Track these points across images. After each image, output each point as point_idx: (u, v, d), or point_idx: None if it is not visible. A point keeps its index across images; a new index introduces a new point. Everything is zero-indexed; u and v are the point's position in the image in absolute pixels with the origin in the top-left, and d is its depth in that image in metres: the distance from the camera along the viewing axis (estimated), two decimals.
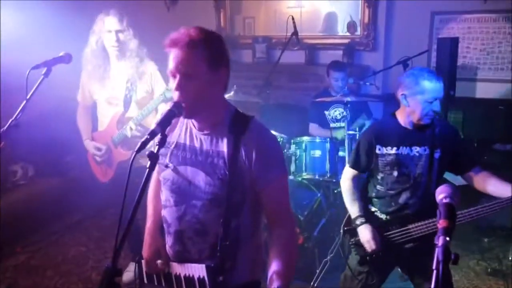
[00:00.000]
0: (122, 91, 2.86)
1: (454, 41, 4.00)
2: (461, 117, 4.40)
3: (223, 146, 1.51)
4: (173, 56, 1.44)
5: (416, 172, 2.23)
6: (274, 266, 1.43)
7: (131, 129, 2.78)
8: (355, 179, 2.39)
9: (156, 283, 1.67)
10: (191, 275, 1.56)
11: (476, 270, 3.37)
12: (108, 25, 2.72)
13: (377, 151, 2.26)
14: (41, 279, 3.34)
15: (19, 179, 4.19)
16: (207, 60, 1.43)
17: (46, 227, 4.03)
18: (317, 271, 3.04)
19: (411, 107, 2.18)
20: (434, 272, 0.98)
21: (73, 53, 2.02)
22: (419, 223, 2.18)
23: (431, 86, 2.12)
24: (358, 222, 2.27)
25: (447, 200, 1.15)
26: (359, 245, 2.31)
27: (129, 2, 5.04)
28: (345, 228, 2.40)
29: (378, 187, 2.31)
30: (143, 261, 1.68)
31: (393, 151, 2.23)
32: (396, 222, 2.25)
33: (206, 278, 1.51)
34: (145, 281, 1.70)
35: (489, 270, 3.33)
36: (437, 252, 1.00)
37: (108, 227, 4.09)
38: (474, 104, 4.45)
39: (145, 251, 1.68)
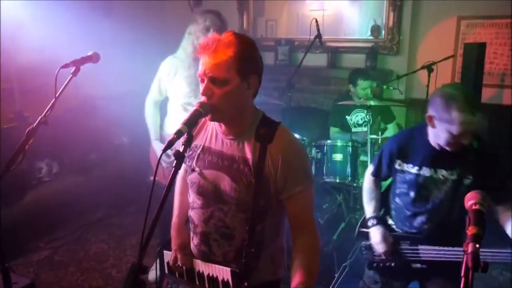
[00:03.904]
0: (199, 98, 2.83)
1: (481, 46, 3.92)
2: (486, 125, 4.30)
3: (249, 152, 1.49)
4: (202, 61, 1.42)
5: (437, 197, 2.03)
6: (297, 277, 1.43)
7: None
8: (377, 182, 2.32)
9: (177, 276, 1.67)
10: (215, 276, 1.55)
11: (499, 280, 3.29)
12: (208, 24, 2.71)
13: (396, 166, 2.12)
14: (63, 275, 3.39)
15: (44, 176, 4.26)
16: (237, 66, 1.40)
17: (69, 224, 4.10)
18: (336, 275, 3.01)
19: (437, 131, 1.94)
20: (463, 280, 0.97)
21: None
22: (430, 247, 2.04)
23: (461, 118, 1.81)
24: (369, 223, 2.21)
25: (476, 207, 1.13)
26: (368, 248, 2.26)
27: (153, 3, 5.14)
28: (360, 230, 2.32)
29: (397, 199, 2.19)
30: (165, 252, 1.70)
31: (414, 170, 2.05)
32: (408, 239, 2.13)
33: (230, 282, 1.51)
34: (166, 271, 1.71)
35: None
36: (466, 259, 0.98)
37: (129, 225, 4.13)
38: (500, 111, 4.34)
39: (172, 245, 1.69)
